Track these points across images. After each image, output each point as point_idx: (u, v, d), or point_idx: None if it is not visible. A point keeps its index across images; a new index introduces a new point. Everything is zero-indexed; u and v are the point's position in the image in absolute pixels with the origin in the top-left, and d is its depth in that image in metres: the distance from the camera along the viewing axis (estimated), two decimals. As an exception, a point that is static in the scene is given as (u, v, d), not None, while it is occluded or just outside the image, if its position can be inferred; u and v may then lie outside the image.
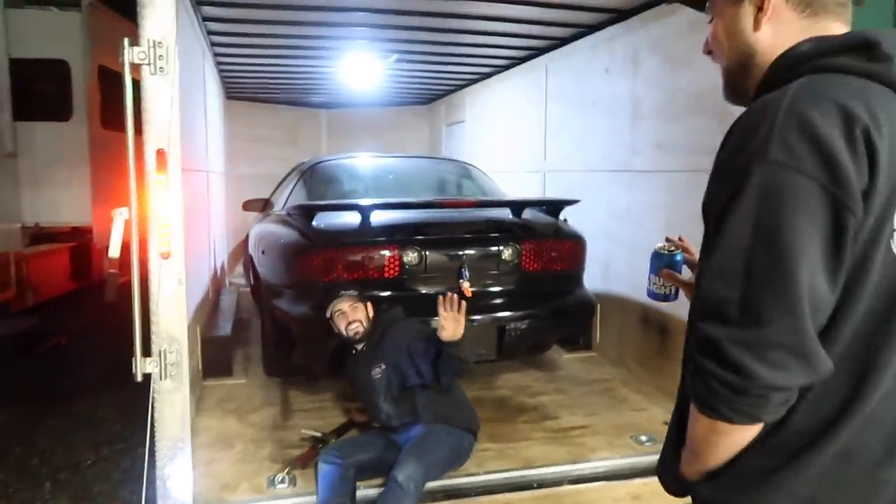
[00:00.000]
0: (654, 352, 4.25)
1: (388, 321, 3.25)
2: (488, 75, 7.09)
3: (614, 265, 4.70)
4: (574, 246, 4.01)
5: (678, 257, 1.60)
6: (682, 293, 1.60)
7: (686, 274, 1.60)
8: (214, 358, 4.24)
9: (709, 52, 1.30)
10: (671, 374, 4.04)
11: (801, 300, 0.93)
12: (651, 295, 1.66)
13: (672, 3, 1.54)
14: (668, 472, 1.23)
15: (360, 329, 3.17)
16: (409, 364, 3.07)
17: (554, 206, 4.20)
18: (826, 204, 0.93)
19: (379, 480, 2.90)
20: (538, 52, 5.76)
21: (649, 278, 1.64)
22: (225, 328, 4.59)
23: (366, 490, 2.92)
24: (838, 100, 0.96)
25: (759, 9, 1.14)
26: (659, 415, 3.79)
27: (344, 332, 3.19)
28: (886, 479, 1.03)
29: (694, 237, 3.94)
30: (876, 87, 1.00)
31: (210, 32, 5.05)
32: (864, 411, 1.01)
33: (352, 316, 3.17)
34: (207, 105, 5.25)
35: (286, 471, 3.03)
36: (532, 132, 6.01)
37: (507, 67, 6.57)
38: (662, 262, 1.61)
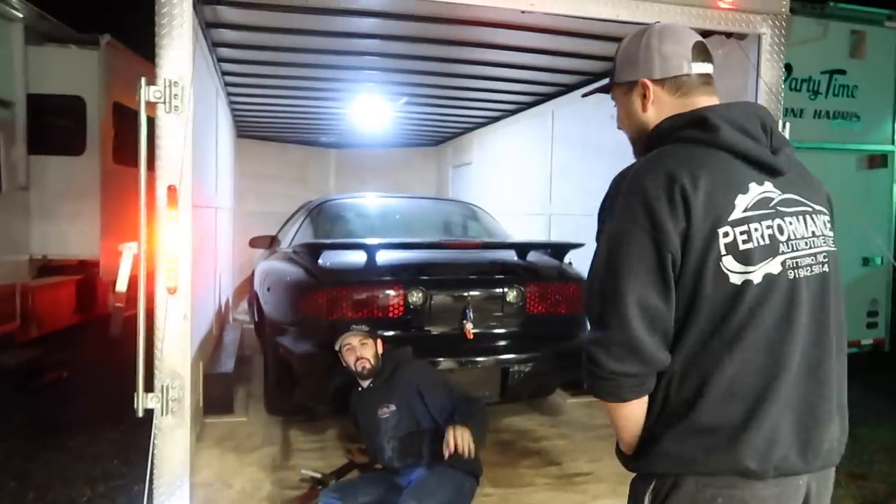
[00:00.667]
0: (659, 398, 4.21)
1: (398, 360, 3.20)
2: (496, 119, 7.20)
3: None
4: (579, 289, 4.01)
5: None
6: None
7: None
8: (216, 394, 4.22)
9: (619, 126, 1.69)
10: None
11: (630, 312, 1.31)
12: None
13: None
14: (617, 450, 1.55)
15: (368, 366, 3.13)
16: (423, 409, 3.02)
17: (559, 250, 4.22)
18: (650, 246, 1.32)
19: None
20: (545, 97, 5.86)
21: None
22: (227, 365, 4.58)
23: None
24: (667, 168, 1.35)
25: (644, 96, 1.53)
26: (663, 462, 3.74)
27: (352, 367, 3.15)
28: (746, 441, 1.33)
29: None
30: (704, 151, 1.39)
31: (224, 73, 5.16)
32: (719, 389, 1.33)
33: (360, 352, 3.14)
34: (219, 143, 5.34)
35: (284, 512, 2.99)
36: (538, 175, 6.07)
37: (514, 112, 6.67)
38: None
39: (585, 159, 5.22)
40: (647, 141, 1.52)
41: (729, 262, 1.32)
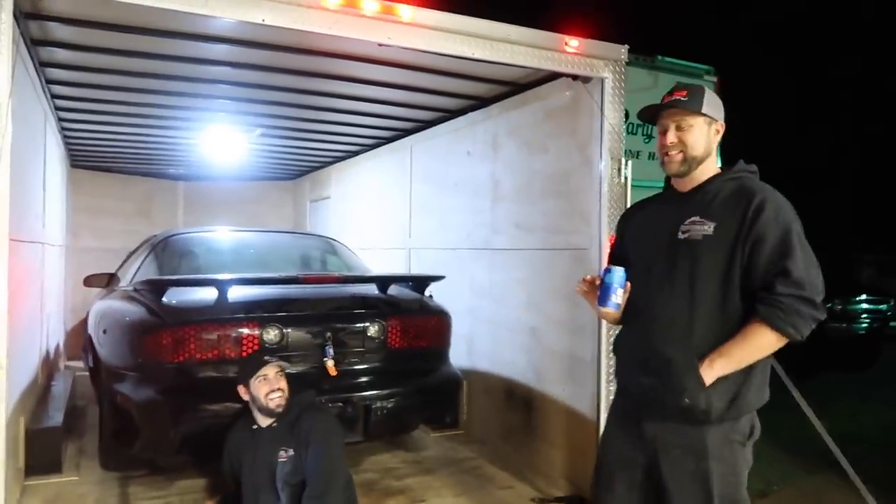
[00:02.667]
0: (520, 428, 4.28)
1: (304, 403, 3.04)
2: (354, 153, 7.16)
3: (478, 342, 4.76)
4: (440, 322, 4.02)
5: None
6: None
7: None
8: (41, 453, 3.74)
9: (678, 140, 2.17)
10: (537, 450, 4.09)
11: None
12: (616, 306, 2.20)
13: (670, 105, 2.21)
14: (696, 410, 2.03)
15: (282, 402, 2.96)
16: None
17: (419, 283, 4.21)
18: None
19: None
20: (403, 133, 5.91)
21: (614, 291, 2.17)
22: (55, 418, 4.08)
23: None
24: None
25: (717, 133, 2.22)
26: (526, 491, 3.79)
27: (261, 400, 2.95)
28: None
29: (553, 308, 4.06)
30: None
31: (55, 96, 4.71)
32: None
33: (276, 384, 2.96)
34: (47, 172, 4.85)
35: (121, 580, 2.67)
36: (398, 210, 6.09)
37: (373, 147, 6.67)
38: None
39: (444, 195, 5.30)
40: (706, 165, 2.18)
41: None
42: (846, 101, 20.85)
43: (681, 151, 2.15)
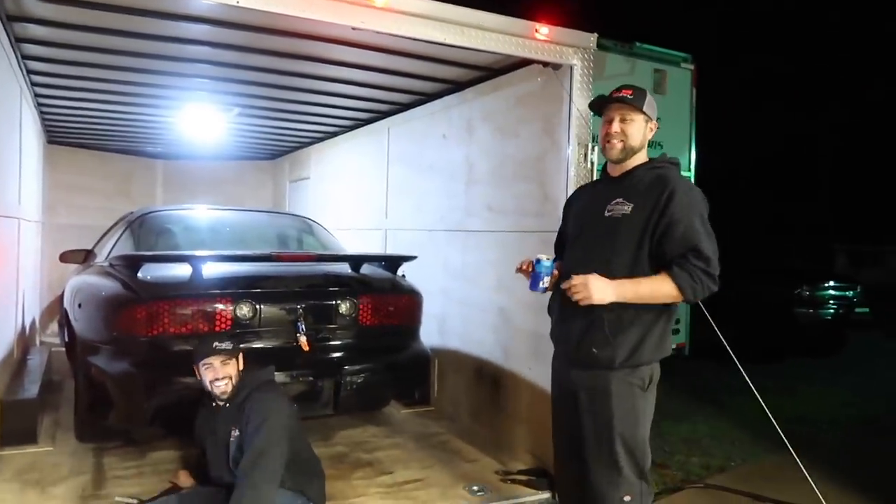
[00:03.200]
0: (488, 404, 4.41)
1: (255, 384, 2.98)
2: (333, 134, 7.20)
3: (450, 321, 4.88)
4: (410, 301, 4.12)
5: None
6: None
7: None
8: (16, 423, 3.81)
9: (620, 131, 2.52)
10: (503, 425, 4.23)
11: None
12: (542, 290, 2.60)
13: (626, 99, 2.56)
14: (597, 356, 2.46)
15: (227, 389, 2.93)
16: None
17: (391, 262, 4.30)
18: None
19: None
20: (381, 115, 5.97)
21: (542, 279, 2.56)
22: (30, 390, 4.15)
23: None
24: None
25: (650, 129, 2.56)
26: (491, 464, 3.92)
27: (207, 387, 2.96)
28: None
29: (521, 290, 4.18)
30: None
31: (31, 72, 4.72)
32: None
33: (221, 372, 2.93)
34: (23, 147, 4.86)
35: (95, 544, 2.76)
36: (375, 191, 6.16)
37: (351, 128, 6.72)
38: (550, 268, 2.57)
39: (420, 177, 5.38)
40: (637, 156, 2.55)
41: None
42: (824, 90, 21.11)
43: (621, 140, 2.52)
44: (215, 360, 2.95)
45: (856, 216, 20.34)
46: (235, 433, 2.85)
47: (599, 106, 2.62)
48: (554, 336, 2.71)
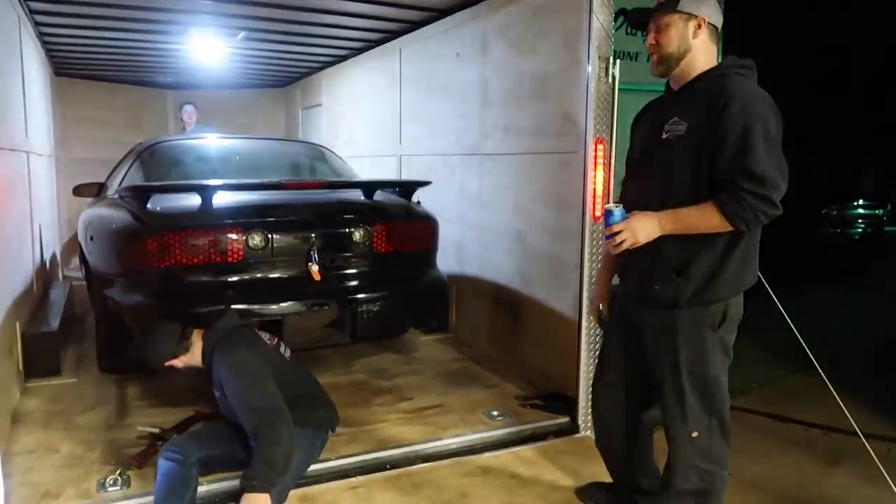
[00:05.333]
0: (506, 330, 4.38)
1: (216, 337, 2.81)
2: (344, 58, 6.96)
3: (467, 247, 4.79)
4: (425, 227, 4.02)
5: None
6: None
7: None
8: (39, 356, 3.86)
9: (656, 42, 2.23)
10: (522, 351, 4.21)
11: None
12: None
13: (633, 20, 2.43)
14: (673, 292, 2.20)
15: (199, 362, 2.82)
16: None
17: (405, 188, 4.19)
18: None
19: (227, 474, 2.75)
20: (392, 35, 5.73)
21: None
22: (52, 323, 4.19)
23: (213, 485, 2.76)
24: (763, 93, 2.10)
25: (698, 27, 2.18)
26: (510, 390, 3.92)
27: None
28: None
29: (539, 213, 4.06)
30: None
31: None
32: None
33: (183, 362, 2.83)
34: (26, 80, 4.74)
35: (118, 472, 2.80)
36: (388, 116, 5.98)
37: (362, 50, 6.48)
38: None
39: (433, 99, 5.19)
40: (687, 64, 2.20)
41: None
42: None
43: (654, 53, 2.23)
44: (175, 361, 2.82)
45: (886, 129, 19.62)
46: (217, 394, 2.76)
47: (642, 21, 2.30)
48: (618, 271, 2.50)
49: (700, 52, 2.20)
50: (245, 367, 2.67)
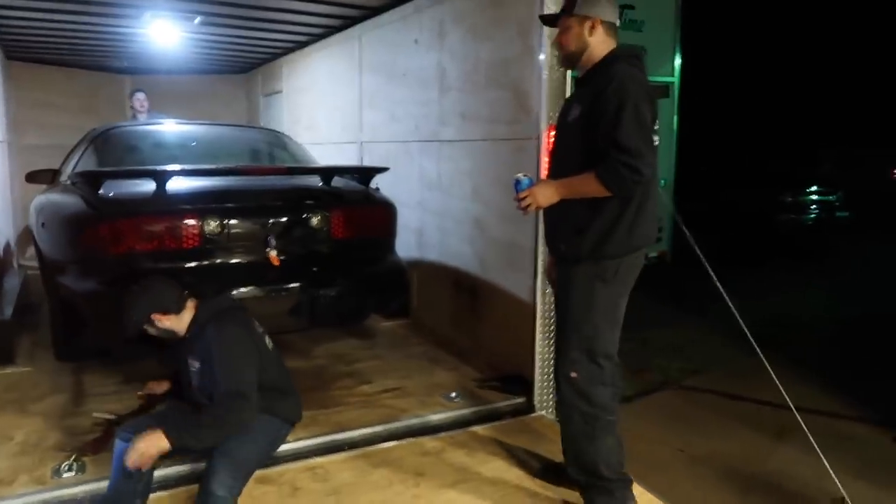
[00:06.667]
0: (466, 315, 4.44)
1: (211, 313, 2.78)
2: (304, 44, 6.92)
3: (427, 234, 4.84)
4: (384, 213, 4.05)
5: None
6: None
7: None
8: (-9, 345, 3.81)
9: (560, 41, 2.58)
10: (481, 335, 4.27)
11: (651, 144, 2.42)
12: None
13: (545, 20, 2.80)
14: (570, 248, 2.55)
15: (169, 335, 2.78)
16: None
17: (363, 174, 4.21)
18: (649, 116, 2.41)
19: (185, 458, 2.77)
20: (352, 21, 5.71)
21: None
22: (5, 311, 4.14)
23: (168, 469, 2.77)
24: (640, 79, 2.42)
25: (592, 28, 2.48)
26: (469, 373, 3.99)
27: None
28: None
29: (496, 199, 4.11)
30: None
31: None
32: None
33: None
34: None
35: (73, 458, 2.80)
36: (348, 103, 5.97)
37: (322, 36, 6.44)
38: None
39: (393, 86, 5.19)
40: (587, 57, 2.52)
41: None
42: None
43: (559, 51, 2.64)
44: (161, 321, 2.74)
45: (842, 118, 20.16)
46: (196, 365, 2.73)
47: (551, 24, 2.70)
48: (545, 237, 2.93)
49: (596, 47, 2.50)
50: (240, 346, 2.69)
